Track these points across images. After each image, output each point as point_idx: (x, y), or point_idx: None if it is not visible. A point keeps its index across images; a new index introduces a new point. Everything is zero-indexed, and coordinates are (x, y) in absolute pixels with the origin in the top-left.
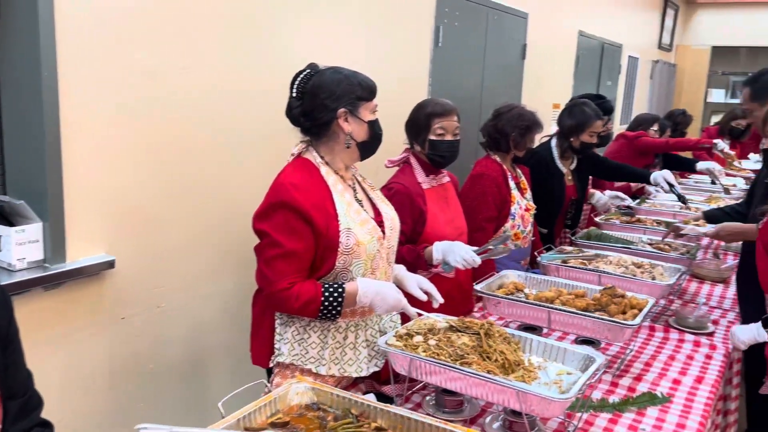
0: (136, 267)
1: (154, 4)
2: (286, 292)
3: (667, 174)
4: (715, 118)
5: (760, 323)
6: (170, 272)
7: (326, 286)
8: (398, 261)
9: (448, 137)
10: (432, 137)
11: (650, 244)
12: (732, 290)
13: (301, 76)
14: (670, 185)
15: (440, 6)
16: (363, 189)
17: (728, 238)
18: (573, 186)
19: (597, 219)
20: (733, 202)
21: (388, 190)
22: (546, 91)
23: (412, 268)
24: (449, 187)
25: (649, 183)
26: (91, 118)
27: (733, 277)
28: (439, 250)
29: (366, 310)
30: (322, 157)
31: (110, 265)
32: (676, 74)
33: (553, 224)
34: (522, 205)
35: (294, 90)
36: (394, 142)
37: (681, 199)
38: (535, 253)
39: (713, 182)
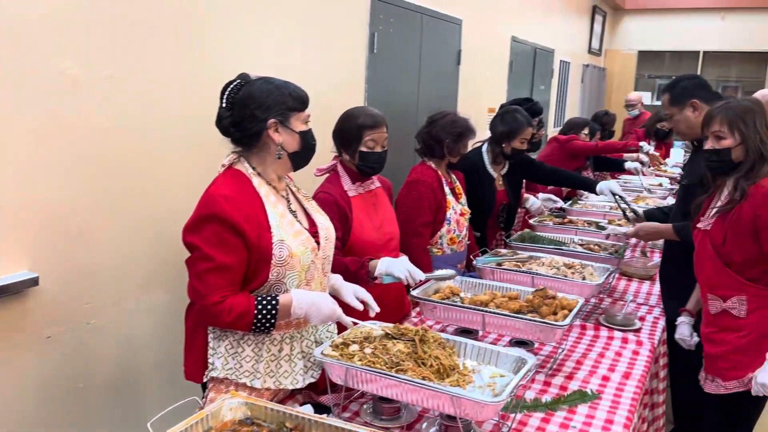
0: (62, 283)
1: (75, 10)
2: (219, 306)
3: (613, 186)
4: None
5: None
6: (100, 287)
7: (259, 298)
8: (341, 270)
9: (378, 149)
10: (363, 149)
11: (581, 245)
12: (658, 287)
13: (231, 86)
14: (620, 197)
15: (375, 13)
16: (297, 199)
17: (647, 238)
18: (504, 191)
19: (531, 221)
20: (660, 201)
21: (315, 200)
22: (481, 96)
23: (354, 279)
24: (379, 193)
25: (593, 191)
26: (10, 129)
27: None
28: (384, 263)
29: (301, 322)
30: (253, 168)
31: (34, 282)
32: (606, 77)
33: (484, 228)
34: (457, 210)
35: (224, 100)
36: (331, 150)
37: (625, 214)
38: (471, 257)
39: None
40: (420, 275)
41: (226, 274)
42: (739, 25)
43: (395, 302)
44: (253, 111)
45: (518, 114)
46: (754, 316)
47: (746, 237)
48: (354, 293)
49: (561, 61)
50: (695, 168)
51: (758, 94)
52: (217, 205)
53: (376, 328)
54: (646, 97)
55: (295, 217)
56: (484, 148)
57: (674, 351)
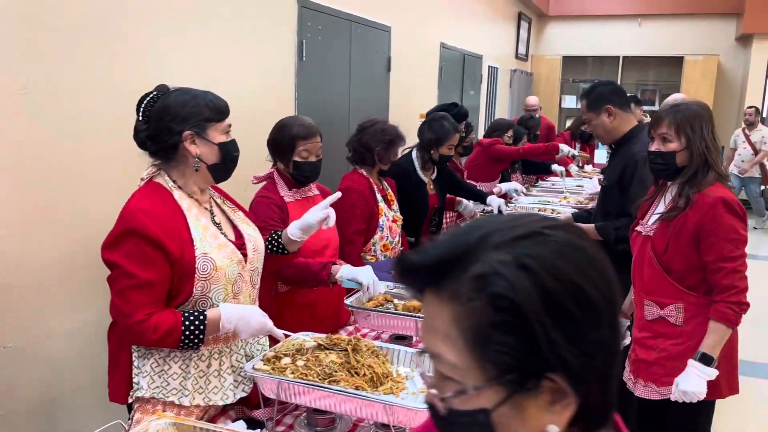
0: None
1: None
2: (143, 324)
3: (501, 203)
4: (569, 123)
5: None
6: (18, 308)
7: (186, 314)
8: (301, 269)
9: (312, 159)
10: (297, 159)
11: None
12: None
13: (148, 98)
14: (501, 212)
15: (302, 20)
16: (223, 211)
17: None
18: (435, 195)
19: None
20: (583, 200)
21: (252, 204)
22: (412, 102)
23: (314, 279)
24: (318, 200)
25: (484, 203)
26: None
27: None
28: (348, 269)
29: (230, 336)
30: (174, 181)
31: None
32: (533, 82)
33: (419, 233)
34: (389, 216)
35: (140, 113)
36: (263, 157)
37: None
38: None
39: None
40: (380, 289)
41: (148, 290)
42: (655, 31)
43: (333, 312)
44: (168, 123)
45: (445, 121)
46: (690, 324)
47: (688, 245)
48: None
49: (489, 66)
50: (614, 169)
51: (671, 99)
52: (136, 220)
53: (309, 339)
54: (571, 101)
55: (220, 229)
56: (414, 154)
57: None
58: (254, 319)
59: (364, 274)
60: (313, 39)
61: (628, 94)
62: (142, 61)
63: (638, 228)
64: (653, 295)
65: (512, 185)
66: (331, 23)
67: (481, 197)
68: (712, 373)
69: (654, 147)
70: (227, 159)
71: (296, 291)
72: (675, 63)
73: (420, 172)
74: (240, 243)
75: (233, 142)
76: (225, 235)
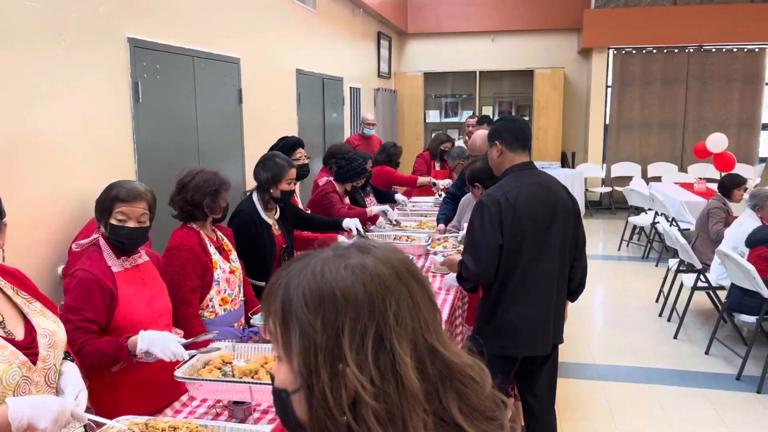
0: None
1: None
2: None
3: (356, 222)
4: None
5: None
6: None
7: None
8: (97, 356)
9: (131, 224)
10: (113, 222)
11: None
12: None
13: None
14: (359, 231)
15: (136, 61)
16: (14, 303)
17: (451, 269)
18: (281, 235)
19: None
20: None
21: (72, 278)
22: (271, 131)
23: (114, 361)
24: (147, 267)
25: (342, 230)
26: None
27: (438, 301)
28: (144, 340)
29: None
30: None
31: None
32: (397, 99)
33: (269, 276)
34: (225, 268)
35: None
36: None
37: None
38: (249, 314)
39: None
40: (183, 355)
41: None
42: (507, 47)
43: (166, 385)
44: None
45: (277, 158)
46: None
47: None
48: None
49: (351, 87)
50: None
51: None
52: None
53: (124, 428)
54: (435, 115)
55: (3, 327)
56: (255, 196)
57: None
58: (49, 406)
59: (159, 346)
60: (151, 79)
61: (481, 114)
62: None
63: None
64: None
65: (382, 207)
66: (170, 60)
67: (335, 225)
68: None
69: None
70: None
71: (130, 368)
72: (527, 76)
73: (263, 215)
74: (29, 340)
75: None
76: (11, 333)
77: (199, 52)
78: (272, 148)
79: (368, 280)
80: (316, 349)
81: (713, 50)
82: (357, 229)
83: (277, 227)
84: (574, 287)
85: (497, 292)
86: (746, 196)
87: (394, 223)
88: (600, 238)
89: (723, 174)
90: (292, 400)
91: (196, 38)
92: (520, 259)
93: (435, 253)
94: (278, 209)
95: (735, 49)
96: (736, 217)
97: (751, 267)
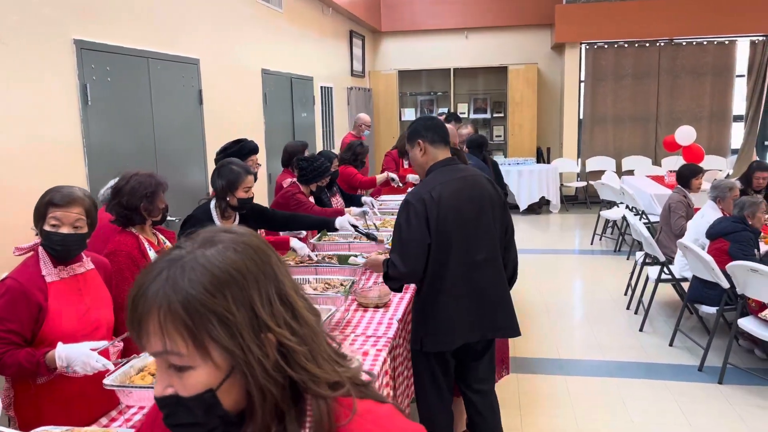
0: None
1: None
2: None
3: (349, 219)
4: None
5: None
6: None
7: None
8: (14, 370)
9: (64, 230)
10: (46, 227)
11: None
12: (390, 313)
13: None
14: (355, 226)
15: (83, 63)
16: None
17: (375, 269)
18: None
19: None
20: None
21: (1, 285)
22: (234, 131)
23: (33, 376)
24: (89, 277)
25: (334, 229)
26: None
27: (395, 300)
28: (62, 357)
29: None
30: None
31: None
32: (372, 97)
33: None
34: None
35: None
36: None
37: (369, 237)
38: None
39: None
40: (107, 365)
41: None
42: (481, 43)
43: (101, 394)
44: None
45: (233, 165)
46: None
47: None
48: None
49: (322, 86)
50: None
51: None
52: None
53: None
54: (410, 113)
55: None
56: (212, 204)
57: None
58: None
59: (77, 361)
60: (101, 81)
61: (449, 111)
62: None
63: None
64: None
65: (363, 209)
66: (122, 62)
67: (327, 223)
68: None
69: None
70: None
71: (57, 380)
72: (501, 72)
73: (217, 221)
74: None
75: None
76: None
77: (153, 53)
78: (225, 149)
79: (252, 252)
80: (239, 329)
81: (684, 44)
82: (351, 225)
83: None
84: (507, 276)
85: (429, 290)
86: (706, 186)
87: (370, 225)
88: (575, 233)
89: (681, 165)
90: (219, 394)
91: (151, 39)
92: (450, 254)
93: (356, 256)
94: (237, 216)
95: (705, 42)
96: (698, 209)
97: (710, 258)
